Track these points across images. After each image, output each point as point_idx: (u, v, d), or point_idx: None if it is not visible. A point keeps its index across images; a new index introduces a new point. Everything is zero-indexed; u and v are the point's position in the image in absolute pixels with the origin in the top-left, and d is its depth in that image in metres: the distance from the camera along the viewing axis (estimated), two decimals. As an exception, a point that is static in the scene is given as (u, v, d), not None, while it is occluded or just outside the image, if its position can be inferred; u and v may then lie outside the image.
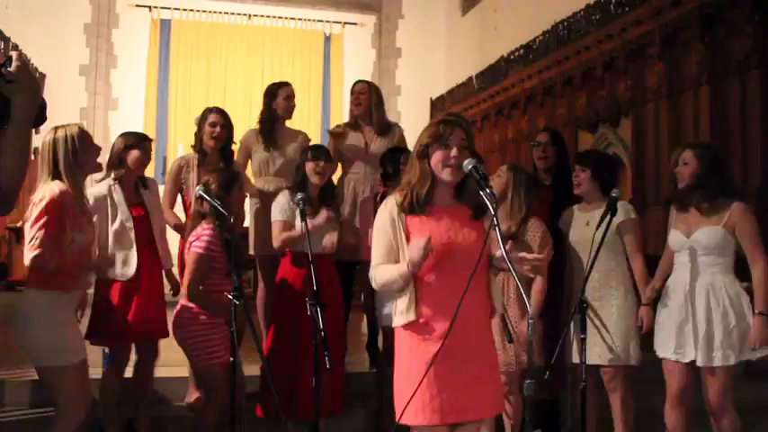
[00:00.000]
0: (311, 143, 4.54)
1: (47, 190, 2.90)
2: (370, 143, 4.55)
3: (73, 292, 3.01)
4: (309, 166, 3.70)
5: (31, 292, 2.94)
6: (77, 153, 2.99)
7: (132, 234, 3.50)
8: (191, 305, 3.31)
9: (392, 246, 2.38)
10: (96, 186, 3.62)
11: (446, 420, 2.32)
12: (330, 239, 3.71)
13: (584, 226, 3.54)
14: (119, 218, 3.50)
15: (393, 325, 2.44)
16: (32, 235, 2.83)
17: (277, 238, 3.69)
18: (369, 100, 4.63)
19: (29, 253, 2.83)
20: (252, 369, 3.96)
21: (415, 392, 2.28)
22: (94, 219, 3.31)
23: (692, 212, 3.26)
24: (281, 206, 3.72)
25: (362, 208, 4.33)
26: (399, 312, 2.37)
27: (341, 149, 4.61)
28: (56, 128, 3.03)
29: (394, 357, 2.45)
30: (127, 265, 3.47)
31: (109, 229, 3.49)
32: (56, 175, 2.94)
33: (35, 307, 2.90)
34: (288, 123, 4.67)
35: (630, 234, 3.49)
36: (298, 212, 3.45)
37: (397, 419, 2.36)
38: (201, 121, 4.17)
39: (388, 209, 2.41)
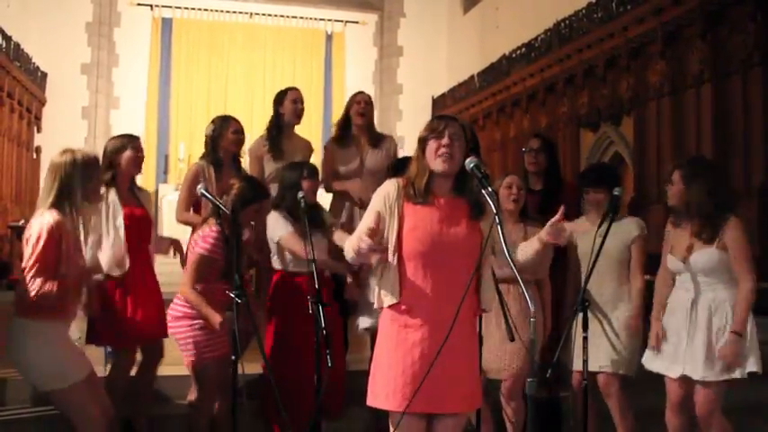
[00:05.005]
0: (314, 148, 4.60)
1: (42, 223, 2.77)
2: (365, 157, 4.41)
3: (64, 320, 2.93)
4: (307, 184, 3.61)
5: (19, 320, 2.84)
6: (90, 183, 2.89)
7: (122, 233, 3.44)
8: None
9: (376, 222, 2.41)
10: None
11: (414, 408, 2.33)
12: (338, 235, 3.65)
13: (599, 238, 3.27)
14: (118, 218, 3.46)
15: (375, 306, 2.50)
16: (31, 267, 2.73)
17: (298, 247, 3.51)
18: (371, 111, 4.51)
19: (31, 289, 2.73)
20: (254, 368, 3.95)
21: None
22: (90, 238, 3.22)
23: (688, 229, 3.23)
24: (281, 223, 3.62)
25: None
26: (384, 294, 2.43)
27: (335, 166, 4.47)
28: (70, 151, 2.89)
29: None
30: (121, 264, 3.42)
31: (106, 228, 3.44)
32: (58, 202, 2.82)
33: (26, 336, 2.82)
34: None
35: (640, 250, 3.50)
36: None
37: (368, 402, 2.44)
38: (222, 128, 4.12)
39: (389, 189, 2.47)
